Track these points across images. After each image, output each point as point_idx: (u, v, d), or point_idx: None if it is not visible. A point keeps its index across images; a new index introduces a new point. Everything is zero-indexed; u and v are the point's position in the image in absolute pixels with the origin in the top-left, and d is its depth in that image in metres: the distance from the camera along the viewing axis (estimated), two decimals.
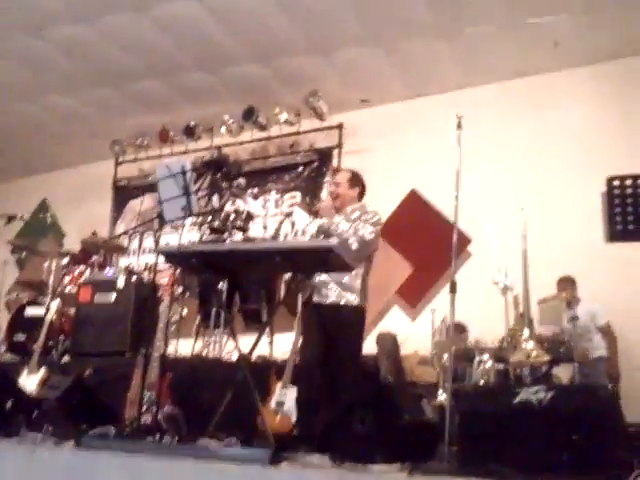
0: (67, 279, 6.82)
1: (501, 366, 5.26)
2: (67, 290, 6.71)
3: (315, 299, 4.84)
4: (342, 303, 4.78)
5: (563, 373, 5.45)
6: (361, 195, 5.22)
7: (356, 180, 5.21)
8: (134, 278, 6.36)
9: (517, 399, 3.29)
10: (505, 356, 5.25)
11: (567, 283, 6.51)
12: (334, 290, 4.80)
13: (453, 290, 3.87)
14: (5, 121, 9.52)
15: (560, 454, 3.17)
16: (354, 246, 4.70)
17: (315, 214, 5.34)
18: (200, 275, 6.16)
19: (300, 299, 4.94)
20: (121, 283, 6.21)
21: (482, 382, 5.11)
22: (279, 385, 4.71)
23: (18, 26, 7.50)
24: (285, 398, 4.62)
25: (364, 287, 4.89)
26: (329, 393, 4.58)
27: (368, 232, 4.81)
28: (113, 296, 6.16)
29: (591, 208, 7.02)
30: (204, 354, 6.23)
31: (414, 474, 3.13)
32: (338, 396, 4.52)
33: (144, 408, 4.53)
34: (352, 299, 4.79)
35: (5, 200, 10.40)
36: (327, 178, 8.39)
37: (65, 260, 7.04)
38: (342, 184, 5.13)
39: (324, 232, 4.93)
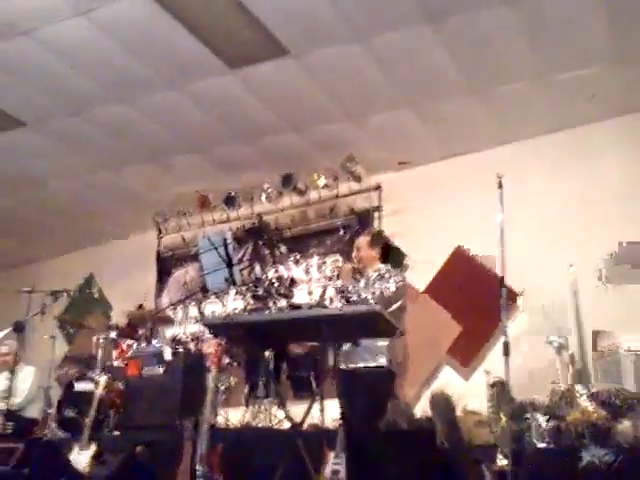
0: (115, 353, 6.85)
1: (556, 424, 5.10)
2: (115, 364, 6.73)
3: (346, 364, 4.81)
4: (372, 365, 4.74)
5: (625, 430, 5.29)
6: (384, 254, 5.28)
7: (376, 241, 5.33)
8: (181, 349, 6.36)
9: (583, 462, 3.18)
10: (560, 414, 5.10)
11: None
12: (364, 353, 4.75)
13: (507, 353, 3.79)
14: (51, 199, 9.74)
15: None
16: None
17: (337, 277, 5.42)
18: (246, 345, 6.14)
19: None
20: (168, 355, 6.21)
21: (542, 444, 4.93)
22: (332, 454, 4.63)
23: (59, 109, 7.71)
24: (340, 467, 4.54)
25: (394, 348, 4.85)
26: (381, 460, 4.48)
27: (388, 288, 4.83)
28: (161, 368, 6.15)
29: None
30: (254, 424, 6.17)
31: None
32: (393, 463, 4.42)
33: None
34: (382, 361, 4.75)
35: (51, 275, 10.55)
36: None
37: (113, 334, 7.08)
38: (362, 247, 5.22)
39: (339, 293, 4.97)
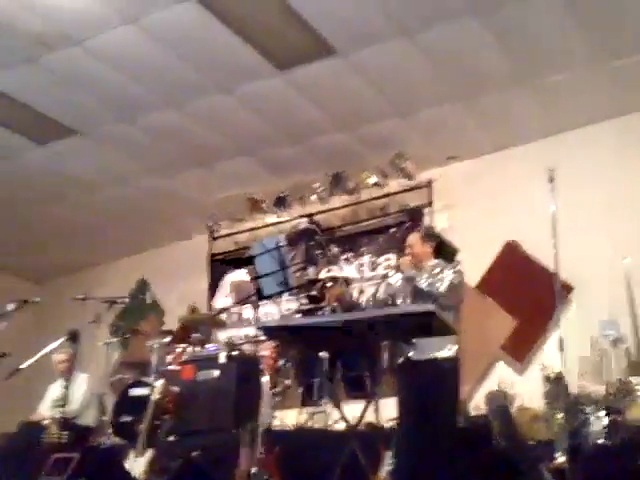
0: (169, 358, 6.89)
1: (614, 419, 4.98)
2: (170, 369, 6.76)
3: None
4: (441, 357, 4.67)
5: None
6: (438, 249, 5.23)
7: (428, 237, 5.28)
8: (235, 352, 6.36)
9: None
10: (619, 408, 4.98)
11: None
12: (424, 348, 4.69)
13: (562, 348, 3.72)
14: (104, 205, 9.87)
15: None
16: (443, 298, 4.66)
17: (397, 269, 5.35)
18: (301, 347, 6.14)
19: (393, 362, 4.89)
20: (223, 358, 6.21)
21: (600, 440, 4.82)
22: (388, 454, 4.61)
23: (110, 116, 7.86)
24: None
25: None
26: (438, 459, 4.41)
27: (450, 280, 4.79)
28: (216, 372, 6.16)
29: None
30: (310, 425, 6.17)
31: None
32: (449, 462, 4.36)
33: None
34: (444, 354, 4.68)
35: (106, 282, 10.73)
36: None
37: (167, 339, 7.12)
38: (414, 245, 5.17)
39: (409, 282, 4.89)
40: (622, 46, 6.65)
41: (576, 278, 7.02)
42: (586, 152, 7.68)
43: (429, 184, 8.65)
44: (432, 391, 4.57)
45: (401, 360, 4.77)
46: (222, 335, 9.25)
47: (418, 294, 4.83)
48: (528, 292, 7.46)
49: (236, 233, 10.11)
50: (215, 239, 10.45)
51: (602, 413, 4.96)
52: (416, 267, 5.06)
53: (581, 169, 7.44)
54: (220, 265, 10.31)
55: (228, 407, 5.91)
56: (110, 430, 6.65)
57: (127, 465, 5.22)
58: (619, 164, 7.52)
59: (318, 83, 7.30)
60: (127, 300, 7.49)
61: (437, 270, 4.95)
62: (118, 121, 7.96)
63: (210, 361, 6.26)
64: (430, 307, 4.18)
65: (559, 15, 6.19)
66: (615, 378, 5.02)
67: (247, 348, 7.41)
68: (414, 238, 5.26)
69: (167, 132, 8.21)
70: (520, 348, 7.67)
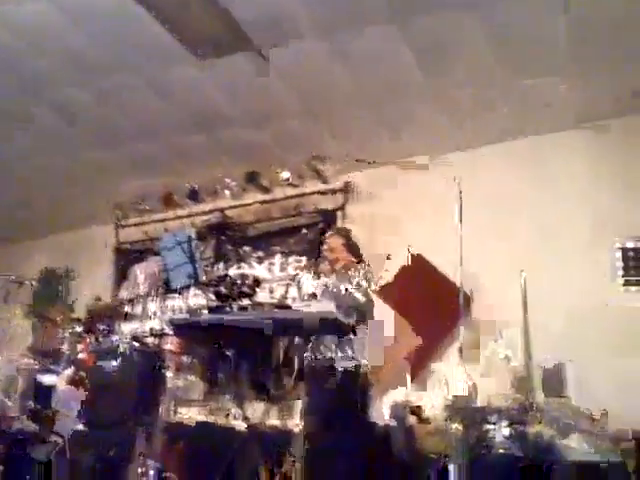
0: (75, 347, 6.78)
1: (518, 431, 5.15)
2: (79, 357, 6.65)
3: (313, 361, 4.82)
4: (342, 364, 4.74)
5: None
6: (356, 254, 5.30)
7: (347, 240, 5.33)
8: (139, 345, 6.29)
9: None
10: (522, 420, 5.14)
11: None
12: (332, 351, 4.76)
13: (462, 357, 3.84)
14: (6, 184, 9.57)
15: None
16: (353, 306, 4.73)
17: (316, 273, 5.38)
18: (208, 343, 6.13)
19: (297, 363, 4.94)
20: (125, 350, 6.14)
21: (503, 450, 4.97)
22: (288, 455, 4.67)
23: (15, 90, 7.55)
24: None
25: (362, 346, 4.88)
26: (339, 464, 4.50)
27: (365, 291, 4.86)
28: (117, 364, 6.08)
29: (596, 272, 7.17)
30: (211, 422, 6.16)
31: None
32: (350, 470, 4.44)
33: (150, 479, 4.47)
34: (350, 362, 4.75)
35: (8, 263, 10.40)
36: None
37: (74, 327, 7.00)
38: (336, 248, 5.20)
39: (329, 292, 4.94)
40: (526, 66, 6.86)
41: (476, 290, 7.24)
42: (494, 167, 7.94)
43: (344, 188, 8.74)
44: (335, 397, 4.65)
45: (306, 364, 4.81)
46: (126, 327, 9.15)
47: (338, 298, 4.85)
48: (429, 304, 7.59)
49: (145, 223, 9.97)
50: (122, 227, 10.28)
51: (505, 423, 5.13)
52: (333, 271, 5.09)
53: (489, 185, 7.70)
54: (127, 255, 10.17)
55: (128, 400, 5.85)
56: (17, 416, 6.50)
57: (32, 450, 5.13)
58: (524, 180, 7.80)
59: (235, 76, 7.22)
60: (34, 283, 7.27)
61: (352, 275, 5.00)
62: (22, 97, 7.65)
63: (113, 353, 6.17)
64: (334, 308, 4.24)
65: (474, 30, 6.31)
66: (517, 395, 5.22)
67: (151, 341, 7.36)
68: (336, 242, 5.29)
69: (72, 111, 7.95)
70: (422, 360, 7.79)
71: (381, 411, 5.79)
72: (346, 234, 5.47)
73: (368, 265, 5.22)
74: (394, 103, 7.62)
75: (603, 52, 6.50)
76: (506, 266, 6.96)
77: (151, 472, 4.58)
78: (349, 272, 5.08)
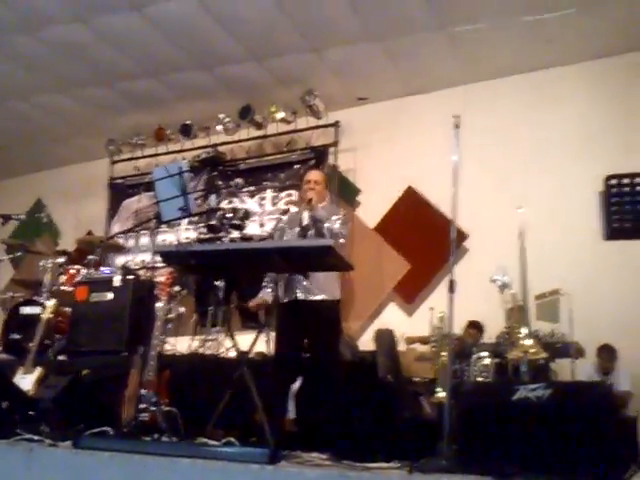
0: (63, 278, 6.78)
1: (499, 362, 5.28)
2: (63, 289, 6.66)
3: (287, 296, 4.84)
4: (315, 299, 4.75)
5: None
6: (340, 189, 5.33)
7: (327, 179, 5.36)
8: (131, 277, 6.30)
9: (516, 396, 3.29)
10: (503, 352, 5.27)
11: (607, 353, 6.46)
12: (305, 286, 4.76)
13: (452, 290, 3.83)
14: (1, 120, 9.50)
15: (559, 451, 3.16)
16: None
17: (309, 204, 5.30)
18: (197, 274, 6.14)
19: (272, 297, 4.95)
20: (118, 282, 6.16)
21: (480, 379, 5.11)
22: None
23: (13, 27, 7.47)
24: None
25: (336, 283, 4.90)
26: (324, 391, 4.55)
27: (343, 229, 4.85)
28: (110, 295, 6.10)
29: (589, 205, 7.20)
30: (202, 352, 6.21)
31: (414, 472, 3.12)
32: (336, 394, 4.50)
33: (142, 407, 4.51)
34: (322, 295, 4.76)
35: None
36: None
37: (61, 259, 6.99)
38: (320, 182, 5.15)
39: (316, 222, 4.89)
40: (530, 2, 6.78)
41: (472, 226, 7.28)
42: (492, 104, 7.87)
43: (336, 124, 8.67)
44: (314, 327, 4.70)
45: (286, 300, 4.81)
46: (118, 260, 9.17)
47: (319, 232, 4.83)
48: (424, 236, 7.69)
49: (137, 158, 9.92)
50: (115, 162, 10.24)
51: (484, 353, 5.24)
52: (312, 207, 5.01)
53: (486, 120, 7.63)
54: (119, 189, 10.13)
55: (120, 330, 5.89)
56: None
57: (15, 380, 5.14)
58: (522, 119, 7.76)
59: (229, 7, 7.12)
60: (22, 217, 7.22)
61: (327, 212, 4.97)
62: (18, 34, 7.59)
63: (105, 284, 6.20)
64: (330, 241, 4.23)
65: None
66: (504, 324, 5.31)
67: (143, 274, 7.37)
68: (319, 176, 5.24)
69: (70, 48, 7.89)
70: (411, 291, 7.93)
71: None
72: (330, 169, 5.47)
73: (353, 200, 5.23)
74: (395, 39, 7.54)
75: None
76: (503, 202, 6.96)
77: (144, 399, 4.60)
78: (319, 207, 5.01)
